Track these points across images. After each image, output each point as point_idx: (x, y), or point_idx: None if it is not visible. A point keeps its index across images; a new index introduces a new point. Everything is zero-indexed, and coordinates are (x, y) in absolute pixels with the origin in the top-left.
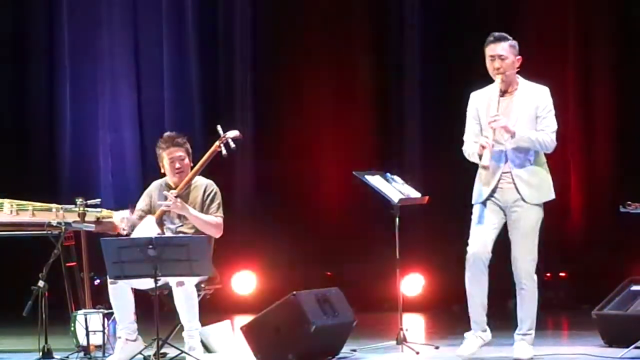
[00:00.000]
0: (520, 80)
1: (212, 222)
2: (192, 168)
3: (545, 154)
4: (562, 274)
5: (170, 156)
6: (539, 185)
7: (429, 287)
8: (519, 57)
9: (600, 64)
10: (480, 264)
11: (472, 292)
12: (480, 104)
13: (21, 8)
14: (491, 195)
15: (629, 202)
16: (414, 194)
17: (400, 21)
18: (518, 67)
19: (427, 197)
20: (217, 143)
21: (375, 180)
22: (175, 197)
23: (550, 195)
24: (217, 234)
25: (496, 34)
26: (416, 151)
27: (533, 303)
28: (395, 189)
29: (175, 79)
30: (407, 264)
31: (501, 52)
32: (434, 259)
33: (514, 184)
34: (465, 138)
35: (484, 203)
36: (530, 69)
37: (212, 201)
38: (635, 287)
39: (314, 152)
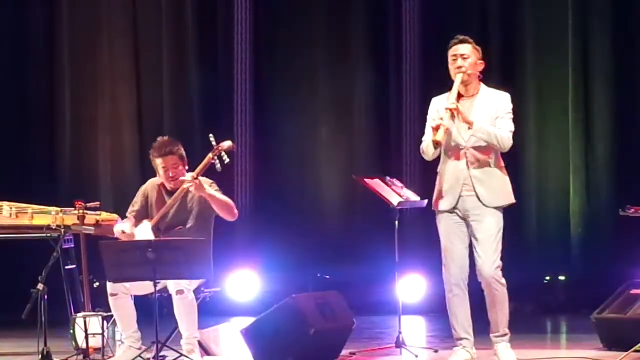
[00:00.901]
0: (483, 86)
1: (229, 202)
2: (187, 171)
3: (503, 156)
4: (561, 278)
5: (163, 165)
6: (498, 188)
7: (428, 291)
8: (482, 62)
9: (599, 66)
10: (461, 285)
11: (457, 313)
12: (441, 107)
13: (21, 8)
14: (455, 206)
15: (629, 206)
16: (413, 197)
17: (399, 24)
18: (480, 72)
19: (426, 201)
20: (210, 155)
21: (374, 184)
22: (194, 178)
23: (510, 199)
24: (233, 215)
25: (460, 36)
26: (415, 154)
27: (505, 304)
28: (395, 192)
29: (174, 82)
30: (406, 267)
31: (463, 51)
32: (433, 262)
33: (473, 187)
34: (423, 138)
35: (449, 213)
36: (528, 71)
37: (216, 191)
38: (634, 291)
39: (314, 155)
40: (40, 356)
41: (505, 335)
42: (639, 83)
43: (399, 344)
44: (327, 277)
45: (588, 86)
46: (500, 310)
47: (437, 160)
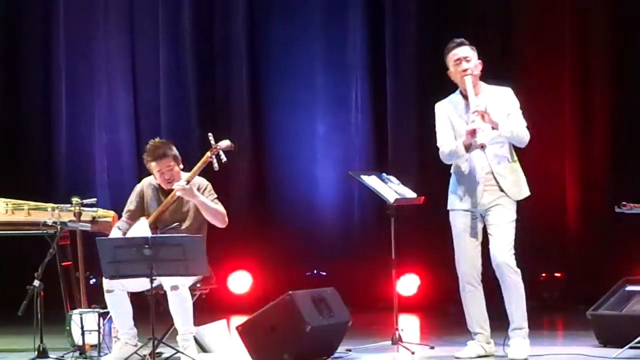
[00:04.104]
0: (483, 84)
1: (220, 210)
2: (183, 169)
3: (517, 152)
4: (557, 274)
5: (158, 168)
6: (516, 182)
7: (424, 287)
8: (479, 61)
9: (596, 65)
10: (473, 282)
11: (470, 308)
12: (450, 111)
13: (17, 7)
14: (474, 205)
15: (625, 203)
16: (410, 194)
17: (395, 22)
18: (480, 71)
19: (422, 198)
20: (208, 154)
21: (371, 180)
22: (187, 184)
23: (526, 192)
24: (224, 222)
25: (457, 39)
26: (412, 151)
27: (520, 295)
28: (391, 189)
29: (171, 80)
30: (402, 264)
31: (465, 54)
32: (430, 259)
33: (497, 181)
34: (440, 143)
35: (465, 212)
36: (527, 72)
37: (209, 195)
38: (630, 288)
39: (310, 152)
40: (36, 353)
41: (519, 329)
42: (636, 79)
43: (396, 341)
44: (324, 273)
45: (585, 82)
46: (514, 301)
47: (434, 157)
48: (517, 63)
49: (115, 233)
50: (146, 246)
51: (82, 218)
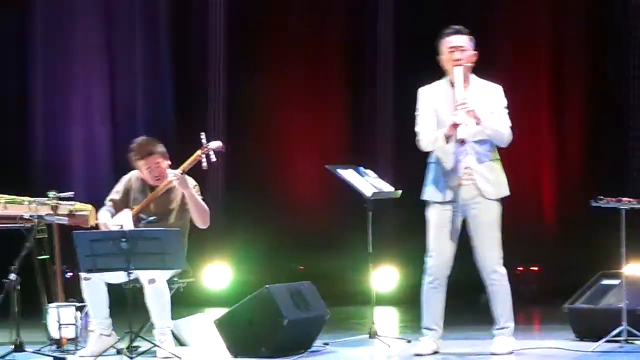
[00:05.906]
0: (473, 77)
1: (207, 208)
2: (170, 166)
3: (499, 150)
4: (533, 268)
5: (147, 166)
6: (495, 181)
7: (401, 281)
8: (475, 52)
9: (572, 62)
10: (441, 277)
11: (431, 303)
12: (434, 98)
13: None
14: (452, 198)
15: (601, 196)
16: (387, 187)
17: (374, 16)
18: (473, 63)
19: (400, 192)
20: (198, 152)
21: (348, 174)
22: (181, 174)
23: (505, 191)
24: (206, 222)
25: (455, 26)
26: (389, 145)
27: (506, 296)
28: (368, 182)
29: (148, 75)
30: (379, 257)
31: (461, 43)
32: (407, 252)
33: (474, 180)
34: (420, 129)
35: (441, 205)
36: (504, 69)
37: (196, 194)
38: (606, 282)
39: (287, 145)
40: (13, 347)
41: (504, 328)
42: (611, 76)
43: (372, 335)
44: (301, 267)
45: (562, 78)
46: (499, 304)
47: (411, 151)
48: (493, 58)
49: (104, 215)
50: (123, 239)
51: (59, 211)
